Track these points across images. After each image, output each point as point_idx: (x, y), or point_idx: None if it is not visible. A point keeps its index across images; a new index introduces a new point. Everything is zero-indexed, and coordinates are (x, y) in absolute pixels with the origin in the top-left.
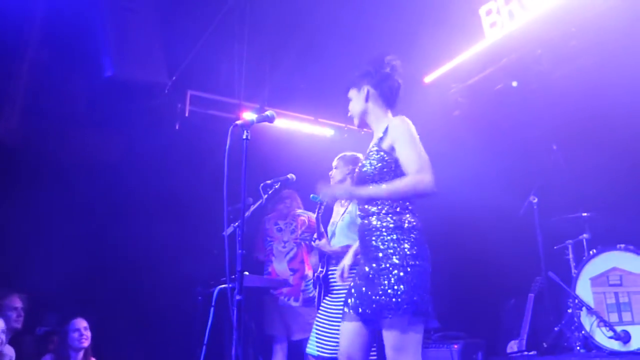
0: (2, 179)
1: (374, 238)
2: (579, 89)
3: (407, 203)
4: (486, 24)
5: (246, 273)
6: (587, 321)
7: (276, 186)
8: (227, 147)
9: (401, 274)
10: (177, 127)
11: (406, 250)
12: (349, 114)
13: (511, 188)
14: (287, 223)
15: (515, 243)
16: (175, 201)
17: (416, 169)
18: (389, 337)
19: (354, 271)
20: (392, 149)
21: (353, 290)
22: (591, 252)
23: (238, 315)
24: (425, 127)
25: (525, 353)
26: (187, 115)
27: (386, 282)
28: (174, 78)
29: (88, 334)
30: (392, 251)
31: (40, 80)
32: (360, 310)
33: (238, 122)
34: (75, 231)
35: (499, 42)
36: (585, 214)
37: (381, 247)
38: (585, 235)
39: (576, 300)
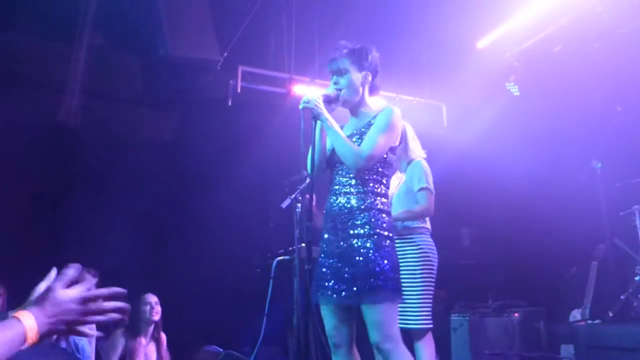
0: (65, 160)
1: (361, 215)
2: None
3: (383, 187)
4: None
5: (302, 245)
6: None
7: None
8: (302, 128)
9: (383, 252)
10: (229, 103)
11: (383, 230)
12: (336, 84)
13: (572, 153)
14: None
15: (577, 210)
16: (231, 176)
17: (368, 154)
18: (375, 313)
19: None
20: None
21: (325, 273)
22: None
23: (305, 285)
24: (479, 94)
25: (590, 322)
26: (239, 91)
27: (372, 261)
28: (225, 54)
29: (158, 308)
30: (378, 231)
31: (97, 63)
32: (341, 290)
33: (307, 104)
34: (135, 208)
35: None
36: None
37: (364, 227)
38: None
39: None
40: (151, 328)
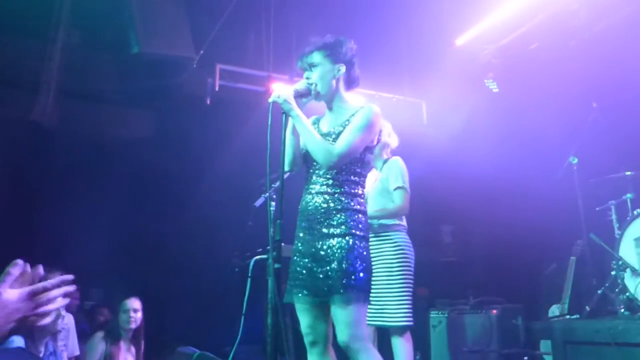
0: (41, 160)
1: (337, 215)
2: (621, 43)
3: (359, 188)
4: None
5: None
6: (632, 283)
7: None
8: (269, 123)
9: (357, 252)
10: (208, 102)
11: (359, 230)
12: (308, 79)
13: (549, 149)
14: None
15: (555, 206)
16: (209, 175)
17: (341, 151)
18: (345, 312)
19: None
20: None
21: (299, 272)
22: (635, 212)
23: (277, 284)
24: (459, 91)
25: (568, 317)
26: (217, 89)
27: (346, 260)
28: (201, 52)
29: (138, 316)
30: (354, 231)
31: (73, 61)
32: (314, 288)
33: (277, 98)
34: (113, 207)
35: None
36: (628, 173)
37: (340, 226)
38: (629, 195)
39: (620, 262)
40: (131, 333)
